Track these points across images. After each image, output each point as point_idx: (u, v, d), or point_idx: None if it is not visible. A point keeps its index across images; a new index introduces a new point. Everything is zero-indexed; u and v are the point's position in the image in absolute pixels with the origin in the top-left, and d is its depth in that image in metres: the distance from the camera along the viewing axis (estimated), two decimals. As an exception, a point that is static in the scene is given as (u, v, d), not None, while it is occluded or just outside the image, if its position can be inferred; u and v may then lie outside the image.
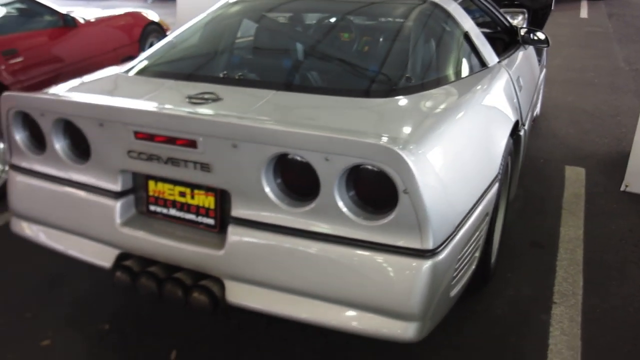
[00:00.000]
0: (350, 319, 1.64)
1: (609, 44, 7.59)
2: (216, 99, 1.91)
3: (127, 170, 1.91)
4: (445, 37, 2.25)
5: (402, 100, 1.90)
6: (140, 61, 2.41)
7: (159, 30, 5.43)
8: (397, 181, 1.48)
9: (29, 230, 2.19)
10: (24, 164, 2.13)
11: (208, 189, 1.82)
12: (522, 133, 2.62)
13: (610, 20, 9.20)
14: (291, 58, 2.33)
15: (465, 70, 2.22)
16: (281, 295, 1.72)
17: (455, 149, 1.76)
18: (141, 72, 2.32)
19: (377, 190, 1.56)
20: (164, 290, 1.83)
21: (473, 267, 1.96)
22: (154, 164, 1.81)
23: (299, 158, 1.60)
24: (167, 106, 1.87)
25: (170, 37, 2.56)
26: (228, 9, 2.70)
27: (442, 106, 1.92)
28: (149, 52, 2.50)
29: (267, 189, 1.67)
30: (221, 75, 2.14)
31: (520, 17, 4.20)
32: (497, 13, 3.16)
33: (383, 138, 1.56)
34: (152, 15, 5.40)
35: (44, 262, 2.66)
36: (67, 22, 4.02)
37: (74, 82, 2.32)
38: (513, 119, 2.37)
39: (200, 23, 2.62)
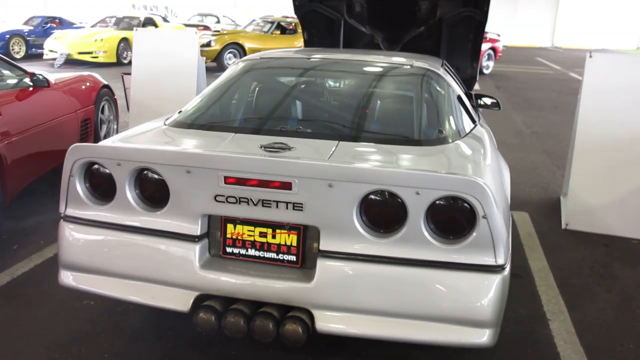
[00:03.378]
0: (434, 332, 1.90)
1: (505, 111, 8.79)
2: (288, 148, 2.14)
3: (209, 214, 2.04)
4: (453, 100, 2.72)
5: (445, 147, 2.28)
6: (186, 115, 2.55)
7: (110, 93, 5.45)
8: (477, 208, 1.82)
9: (84, 281, 2.18)
10: (82, 215, 2.16)
11: (291, 228, 2.02)
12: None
13: (499, 91, 10.70)
14: (344, 114, 2.65)
15: (469, 125, 2.68)
16: (369, 318, 1.93)
17: (495, 182, 2.16)
18: (192, 126, 2.46)
19: (455, 217, 1.89)
20: (253, 325, 1.95)
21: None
22: (242, 206, 1.98)
23: (388, 194, 1.89)
24: (252, 154, 2.06)
25: (205, 93, 2.73)
26: (250, 70, 2.95)
27: (475, 151, 2.33)
28: (190, 105, 2.65)
29: (357, 223, 1.92)
30: (279, 128, 2.37)
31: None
32: (457, 80, 3.76)
33: (465, 174, 1.90)
34: (102, 79, 5.43)
35: (61, 318, 2.58)
36: (39, 82, 3.97)
37: (127, 134, 2.42)
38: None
39: (230, 82, 2.82)
